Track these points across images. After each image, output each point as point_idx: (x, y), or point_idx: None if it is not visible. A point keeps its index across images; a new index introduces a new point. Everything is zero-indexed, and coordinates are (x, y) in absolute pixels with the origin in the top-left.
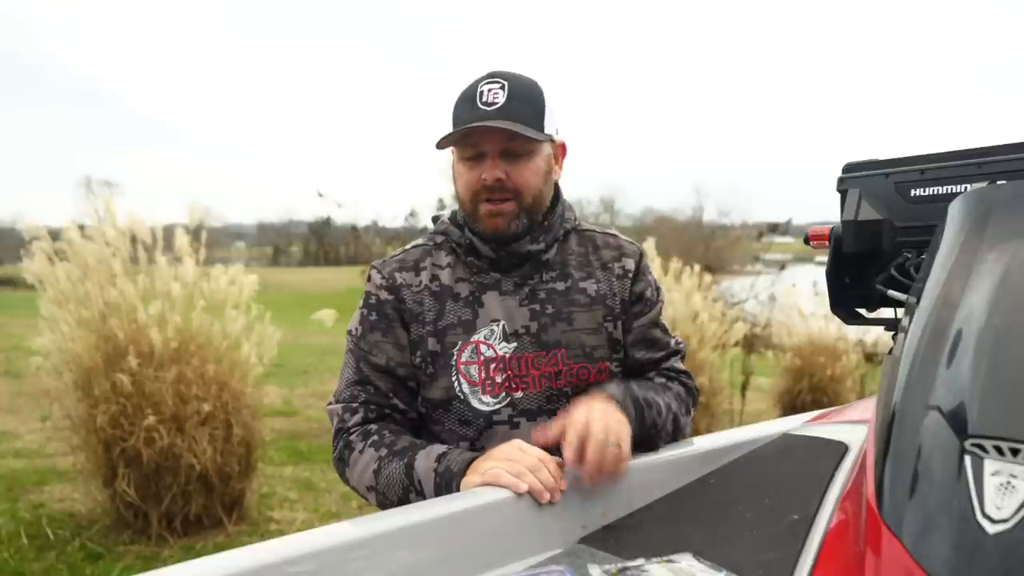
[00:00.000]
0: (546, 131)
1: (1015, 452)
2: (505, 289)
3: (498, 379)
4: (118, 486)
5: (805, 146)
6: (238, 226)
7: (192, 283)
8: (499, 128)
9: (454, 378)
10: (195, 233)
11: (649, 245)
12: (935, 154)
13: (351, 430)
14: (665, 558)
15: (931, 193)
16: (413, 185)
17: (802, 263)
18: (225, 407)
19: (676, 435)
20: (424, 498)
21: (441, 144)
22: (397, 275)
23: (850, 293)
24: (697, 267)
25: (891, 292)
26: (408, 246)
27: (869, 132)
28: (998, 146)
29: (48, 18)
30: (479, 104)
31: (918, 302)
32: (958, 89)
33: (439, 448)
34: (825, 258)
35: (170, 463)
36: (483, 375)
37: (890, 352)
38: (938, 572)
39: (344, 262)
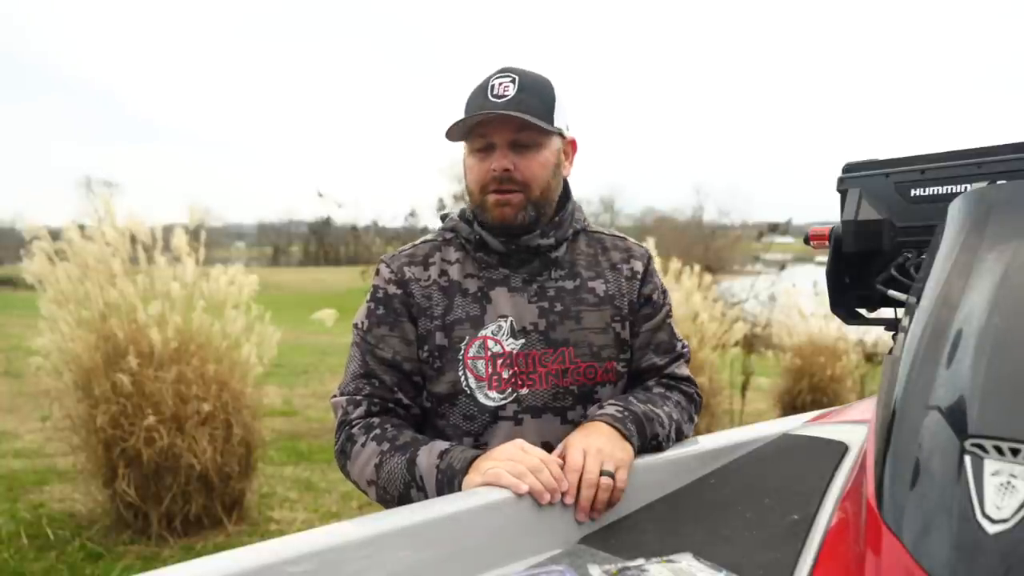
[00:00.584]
0: (556, 125)
1: (1015, 452)
2: (514, 285)
3: (505, 375)
4: (118, 486)
5: (805, 146)
6: (238, 226)
7: (192, 283)
8: (508, 119)
9: (461, 373)
10: (195, 233)
11: (649, 245)
12: (935, 154)
13: (354, 423)
14: (665, 558)
15: (931, 193)
16: (413, 185)
17: (802, 263)
18: (225, 407)
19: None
20: (425, 494)
21: (450, 133)
22: (406, 269)
23: (850, 293)
24: (697, 267)
25: (891, 292)
26: (417, 241)
27: (869, 132)
28: (998, 146)
29: (48, 18)
30: (489, 96)
31: (918, 302)
32: (958, 89)
33: (442, 445)
34: (825, 258)
35: (170, 463)
36: (490, 370)
37: (890, 352)
38: (938, 572)
39: (344, 262)
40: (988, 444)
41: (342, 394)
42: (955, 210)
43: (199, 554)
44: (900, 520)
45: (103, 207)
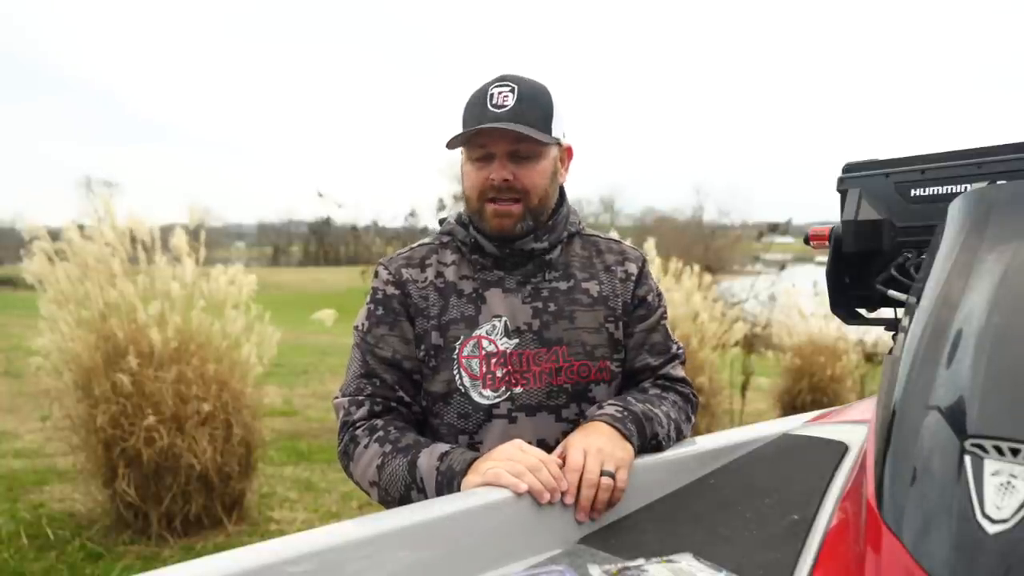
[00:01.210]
0: (553, 134)
1: (1015, 452)
2: (508, 287)
3: (498, 373)
4: (118, 486)
5: (805, 146)
6: (238, 226)
7: (192, 283)
8: (508, 130)
9: (455, 371)
10: (195, 233)
11: (649, 245)
12: (935, 154)
13: (357, 424)
14: (665, 558)
15: (931, 193)
16: (413, 185)
17: (802, 263)
18: (225, 407)
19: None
20: (426, 496)
21: (451, 144)
22: (403, 271)
23: (850, 293)
24: (697, 267)
25: (891, 292)
26: (415, 244)
27: (869, 132)
28: (998, 146)
29: (48, 18)
30: (489, 106)
31: (918, 302)
32: (958, 89)
33: (442, 447)
34: (825, 258)
35: (170, 463)
36: (484, 369)
37: (890, 352)
38: (938, 572)
39: (344, 262)
40: (988, 444)
41: (344, 395)
42: (955, 210)
43: (199, 554)
44: (900, 520)
45: (103, 207)
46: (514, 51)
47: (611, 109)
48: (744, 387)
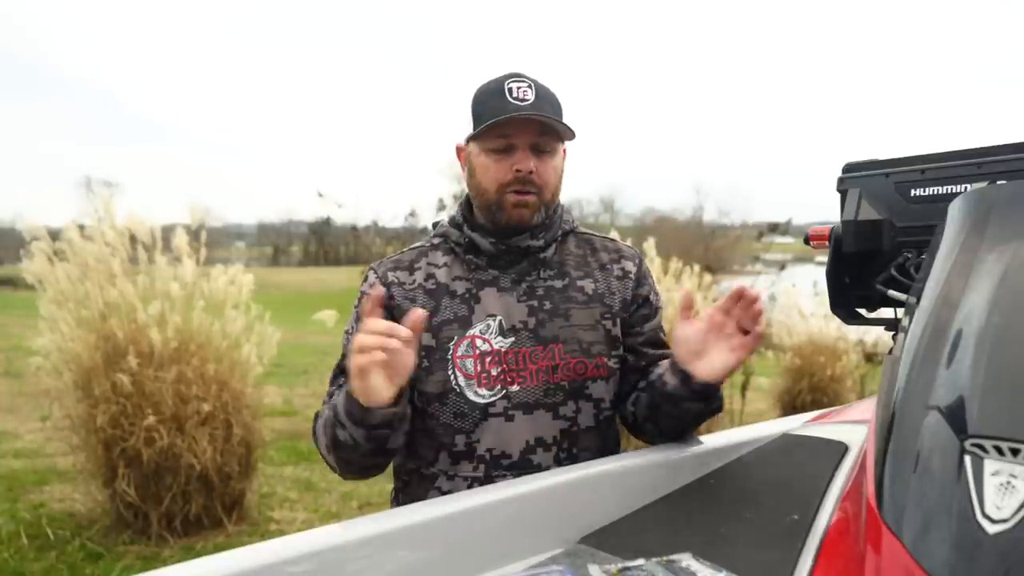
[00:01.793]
0: None
1: (1015, 452)
2: (503, 286)
3: (494, 372)
4: (118, 486)
5: (805, 146)
6: (238, 226)
7: (192, 283)
8: (531, 122)
9: (450, 371)
10: (195, 233)
11: (649, 245)
12: (935, 154)
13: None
14: (665, 558)
15: (931, 193)
16: (413, 185)
17: (802, 263)
18: (225, 407)
19: (693, 429)
20: (347, 430)
21: (477, 134)
22: (390, 274)
23: (850, 293)
24: (697, 267)
25: (891, 292)
26: (405, 248)
27: (869, 132)
28: (998, 146)
29: (48, 18)
30: (510, 99)
31: (918, 302)
32: (958, 89)
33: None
34: (825, 258)
35: (170, 463)
36: (479, 368)
37: (890, 352)
38: (938, 572)
39: (344, 262)
40: (988, 444)
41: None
42: (955, 210)
43: (199, 554)
44: (900, 520)
45: (103, 207)
46: (514, 51)
47: (611, 109)
48: (744, 387)
